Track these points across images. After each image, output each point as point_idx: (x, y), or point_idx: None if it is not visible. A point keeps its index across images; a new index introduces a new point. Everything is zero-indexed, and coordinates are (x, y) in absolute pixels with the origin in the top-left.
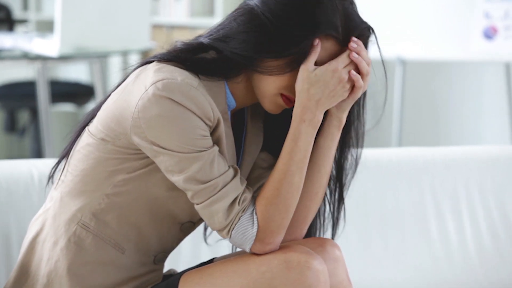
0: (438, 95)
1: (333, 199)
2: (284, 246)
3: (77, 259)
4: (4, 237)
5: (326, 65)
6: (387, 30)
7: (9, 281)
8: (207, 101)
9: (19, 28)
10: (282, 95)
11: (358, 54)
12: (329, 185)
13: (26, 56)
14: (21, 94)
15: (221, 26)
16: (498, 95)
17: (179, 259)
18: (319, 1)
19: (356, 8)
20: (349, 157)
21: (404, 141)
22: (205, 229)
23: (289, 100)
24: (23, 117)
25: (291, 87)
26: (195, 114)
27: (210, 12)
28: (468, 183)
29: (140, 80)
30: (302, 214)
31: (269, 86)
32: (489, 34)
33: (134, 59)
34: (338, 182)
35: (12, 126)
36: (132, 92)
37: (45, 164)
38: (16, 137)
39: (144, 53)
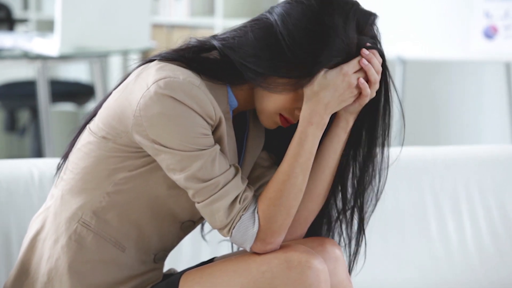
0: (438, 95)
1: (349, 231)
2: (284, 246)
3: (77, 257)
4: (4, 236)
5: (338, 69)
6: (387, 30)
7: (9, 279)
8: (208, 100)
9: (19, 28)
10: (280, 115)
11: (369, 61)
12: (344, 215)
13: (26, 56)
14: (21, 93)
15: (237, 33)
16: (498, 95)
17: (180, 258)
18: (336, 34)
19: (378, 41)
20: (370, 189)
21: (404, 140)
22: (202, 225)
23: (287, 120)
24: (23, 116)
25: (291, 110)
26: (196, 112)
27: (210, 11)
28: (468, 183)
29: (141, 78)
30: (303, 214)
31: (270, 104)
32: (489, 33)
33: (134, 59)
34: (358, 211)
35: (12, 125)
36: (133, 91)
37: (45, 163)
38: (16, 136)
39: (144, 52)
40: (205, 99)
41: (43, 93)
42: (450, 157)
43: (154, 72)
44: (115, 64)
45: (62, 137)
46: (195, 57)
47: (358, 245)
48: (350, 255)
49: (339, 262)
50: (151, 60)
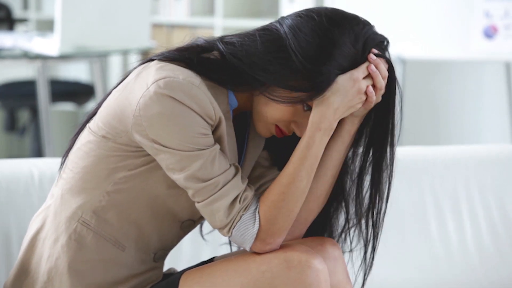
0: (438, 94)
1: (365, 236)
2: (284, 245)
3: (77, 256)
4: (4, 236)
5: (348, 74)
6: (387, 29)
7: (9, 279)
8: (208, 99)
9: (19, 27)
10: (276, 125)
11: (376, 66)
12: (359, 221)
13: (26, 55)
14: (21, 93)
15: (244, 41)
16: (498, 95)
17: (180, 258)
18: (343, 52)
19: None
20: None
21: (404, 140)
22: (201, 225)
23: (281, 132)
24: (23, 116)
25: (288, 123)
26: (196, 112)
27: (210, 11)
28: (468, 182)
29: (141, 78)
30: (303, 215)
31: (267, 114)
32: (489, 33)
33: (134, 59)
34: (371, 215)
35: (12, 125)
36: (133, 90)
37: (45, 163)
38: (16, 136)
39: (144, 52)
40: (205, 99)
41: (43, 93)
42: (450, 157)
43: (154, 71)
44: (115, 64)
45: (62, 137)
46: (196, 57)
47: (373, 251)
48: (366, 262)
49: (338, 261)
50: (152, 59)
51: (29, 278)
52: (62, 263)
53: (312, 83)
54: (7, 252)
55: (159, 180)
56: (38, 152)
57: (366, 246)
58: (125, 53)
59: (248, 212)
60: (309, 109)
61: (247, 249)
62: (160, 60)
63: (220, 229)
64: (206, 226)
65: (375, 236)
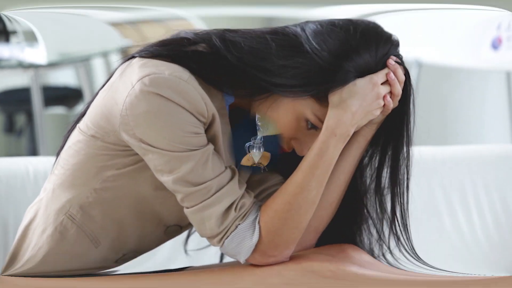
0: (449, 99)
1: (403, 233)
2: (298, 256)
3: (56, 247)
4: (3, 227)
5: (367, 78)
6: (405, 34)
7: (3, 266)
8: (199, 95)
9: (13, 39)
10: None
11: (394, 72)
12: (381, 224)
13: (21, 65)
14: (18, 99)
15: (252, 43)
16: (500, 101)
17: (180, 257)
18: (361, 58)
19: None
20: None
21: (416, 140)
22: (188, 238)
23: (281, 148)
24: (20, 119)
25: (288, 139)
26: (185, 109)
27: None
28: (473, 179)
29: (126, 76)
30: (314, 224)
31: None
32: (496, 44)
33: (116, 59)
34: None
35: (10, 127)
36: (118, 89)
37: (40, 161)
38: (14, 137)
39: (123, 51)
40: (195, 95)
41: (36, 99)
42: (458, 155)
43: (137, 69)
44: (99, 66)
45: (55, 137)
46: (182, 51)
47: (408, 242)
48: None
49: (373, 266)
50: (133, 57)
51: (15, 264)
52: (42, 252)
53: (330, 77)
54: (5, 242)
55: (147, 180)
56: (33, 151)
57: (399, 240)
58: (105, 55)
59: (246, 222)
60: (313, 127)
61: (241, 261)
62: (142, 56)
63: (209, 238)
64: (197, 238)
65: (405, 228)
